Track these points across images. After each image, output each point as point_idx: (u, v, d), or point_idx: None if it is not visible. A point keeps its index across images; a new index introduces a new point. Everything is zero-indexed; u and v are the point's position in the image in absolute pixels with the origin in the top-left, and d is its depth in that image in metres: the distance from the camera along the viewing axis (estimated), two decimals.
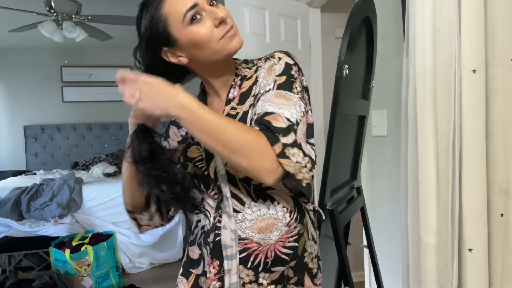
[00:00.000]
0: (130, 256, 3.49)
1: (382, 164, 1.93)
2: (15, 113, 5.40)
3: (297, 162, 0.76)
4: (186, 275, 1.00)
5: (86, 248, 2.97)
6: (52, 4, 3.25)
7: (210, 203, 0.94)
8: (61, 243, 3.10)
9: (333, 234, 1.27)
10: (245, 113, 0.89)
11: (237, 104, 0.91)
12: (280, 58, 0.89)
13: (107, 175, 4.38)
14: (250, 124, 0.86)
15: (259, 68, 0.91)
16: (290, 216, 0.90)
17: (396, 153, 1.74)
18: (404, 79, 1.25)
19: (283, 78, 0.85)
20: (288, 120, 0.78)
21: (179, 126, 1.00)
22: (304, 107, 0.84)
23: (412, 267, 1.21)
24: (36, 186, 3.60)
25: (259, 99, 0.85)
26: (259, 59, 0.94)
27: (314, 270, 0.95)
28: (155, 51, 0.87)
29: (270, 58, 0.90)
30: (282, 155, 0.75)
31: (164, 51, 0.87)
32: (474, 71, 1.05)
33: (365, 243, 1.73)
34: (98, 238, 3.18)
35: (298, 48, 2.52)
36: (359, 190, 1.65)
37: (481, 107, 1.06)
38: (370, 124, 1.92)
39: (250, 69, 0.94)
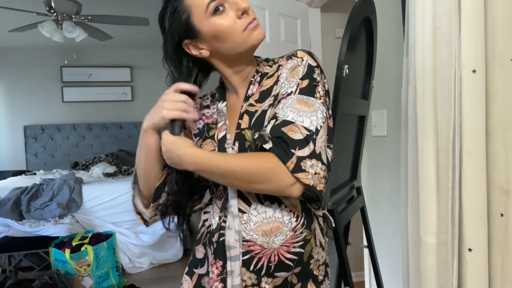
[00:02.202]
0: (130, 256, 3.49)
1: (382, 164, 1.93)
2: (15, 113, 5.40)
3: (315, 173, 0.77)
4: (190, 274, 0.99)
5: (86, 248, 2.97)
6: (52, 4, 3.25)
7: (217, 202, 0.94)
8: (61, 243, 3.10)
9: (333, 234, 1.27)
10: (264, 112, 0.88)
11: (256, 101, 0.90)
12: (303, 59, 0.87)
13: (107, 175, 4.38)
14: (268, 123, 0.85)
15: (281, 66, 0.90)
16: (296, 221, 0.88)
17: (396, 153, 1.74)
18: (404, 79, 1.25)
19: (306, 81, 0.84)
20: (307, 129, 0.78)
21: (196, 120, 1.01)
22: (326, 112, 0.84)
23: (412, 267, 1.21)
24: (36, 186, 3.60)
25: (280, 100, 0.84)
26: (281, 57, 0.93)
27: (320, 277, 0.92)
28: (178, 43, 0.88)
29: (293, 57, 0.88)
30: (297, 169, 0.77)
31: (186, 43, 0.88)
32: (474, 71, 1.05)
33: (365, 243, 1.73)
34: (98, 238, 3.18)
35: (298, 48, 2.53)
36: (359, 190, 1.65)
37: (481, 107, 1.06)
38: (370, 124, 1.92)
39: (271, 67, 0.93)
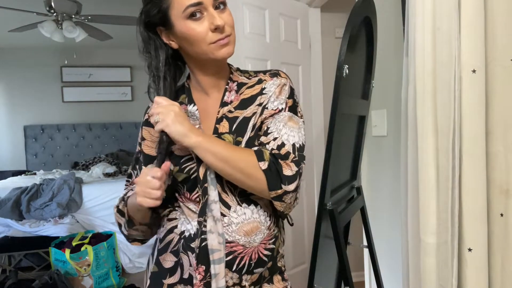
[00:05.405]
0: (130, 256, 3.49)
1: (382, 164, 1.93)
2: (15, 113, 5.40)
3: (290, 203, 0.89)
4: (158, 287, 0.95)
5: (86, 248, 2.97)
6: (52, 4, 3.25)
7: (191, 207, 0.93)
8: (61, 243, 3.10)
9: (333, 234, 1.27)
10: (246, 119, 0.93)
11: (235, 108, 0.94)
12: (286, 82, 0.97)
13: (107, 175, 4.38)
14: (253, 129, 0.92)
15: (264, 81, 0.96)
16: (270, 220, 0.95)
17: (396, 153, 1.74)
18: (404, 79, 1.25)
19: (291, 101, 0.95)
20: (297, 163, 0.87)
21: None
22: (304, 129, 0.95)
23: (412, 267, 1.21)
24: (36, 186, 3.60)
25: (272, 115, 0.92)
26: (260, 72, 0.99)
27: (283, 268, 1.03)
28: (152, 26, 0.92)
29: (278, 77, 0.97)
30: (277, 198, 0.87)
31: (159, 28, 0.92)
32: (474, 71, 1.05)
33: (365, 243, 1.73)
34: (98, 238, 3.18)
35: (298, 48, 2.53)
36: (359, 190, 1.65)
37: (481, 107, 1.06)
38: (370, 124, 1.92)
39: (248, 78, 0.98)
